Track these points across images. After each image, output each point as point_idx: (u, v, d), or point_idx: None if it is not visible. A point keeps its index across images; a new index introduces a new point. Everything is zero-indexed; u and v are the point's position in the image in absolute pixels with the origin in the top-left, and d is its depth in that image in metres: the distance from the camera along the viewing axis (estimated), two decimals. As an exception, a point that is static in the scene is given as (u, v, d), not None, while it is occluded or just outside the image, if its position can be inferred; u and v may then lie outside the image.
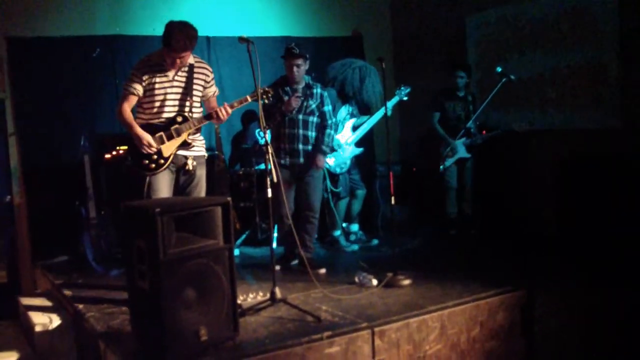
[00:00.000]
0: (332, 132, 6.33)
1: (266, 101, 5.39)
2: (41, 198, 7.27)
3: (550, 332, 5.02)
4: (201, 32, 8.14)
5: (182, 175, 5.30)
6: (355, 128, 7.24)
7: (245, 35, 4.88)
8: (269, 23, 8.69)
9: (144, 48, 7.81)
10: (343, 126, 7.13)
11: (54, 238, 7.08)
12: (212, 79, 5.45)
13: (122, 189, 6.46)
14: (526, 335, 4.94)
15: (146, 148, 5.04)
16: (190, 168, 5.25)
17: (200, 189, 5.37)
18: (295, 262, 6.25)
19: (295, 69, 6.03)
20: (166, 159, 5.13)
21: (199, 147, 5.38)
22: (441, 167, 7.41)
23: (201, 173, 5.37)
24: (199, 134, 5.39)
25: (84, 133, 6.82)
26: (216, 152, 7.52)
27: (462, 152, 7.41)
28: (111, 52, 7.66)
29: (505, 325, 4.84)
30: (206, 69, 5.40)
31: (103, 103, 7.56)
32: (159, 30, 7.79)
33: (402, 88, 7.24)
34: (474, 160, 7.55)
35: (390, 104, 7.04)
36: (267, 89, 5.34)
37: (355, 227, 7.52)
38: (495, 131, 7.34)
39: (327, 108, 6.27)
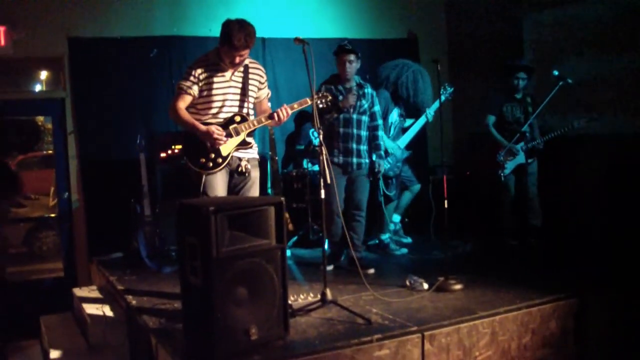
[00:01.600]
0: (382, 133, 6.38)
1: (322, 105, 5.39)
2: (98, 195, 7.42)
3: (604, 341, 4.92)
4: (256, 34, 8.25)
5: (237, 176, 5.28)
6: (403, 130, 7.20)
7: (300, 36, 4.89)
8: (324, 24, 8.70)
9: (200, 48, 7.90)
10: (395, 129, 7.09)
11: (110, 234, 7.22)
12: (266, 80, 5.44)
13: (177, 186, 6.55)
14: (579, 344, 4.84)
15: (218, 138, 5.00)
16: (244, 169, 5.23)
17: (254, 192, 5.35)
18: (342, 261, 6.30)
19: (347, 64, 6.07)
20: (224, 158, 5.12)
21: (253, 150, 5.37)
22: (501, 174, 7.07)
23: (255, 175, 5.35)
24: (252, 137, 5.37)
25: (141, 132, 6.93)
26: (269, 153, 7.56)
27: (521, 158, 7.09)
28: (168, 53, 7.78)
29: (557, 333, 4.75)
30: (260, 69, 5.40)
31: (159, 102, 7.67)
32: (215, 31, 7.87)
33: (447, 88, 7.15)
34: (540, 166, 7.20)
35: (434, 106, 7.00)
36: (325, 93, 5.33)
37: (397, 217, 7.49)
38: (553, 133, 6.98)
39: (377, 108, 6.32)
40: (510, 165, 7.09)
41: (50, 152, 8.32)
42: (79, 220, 7.64)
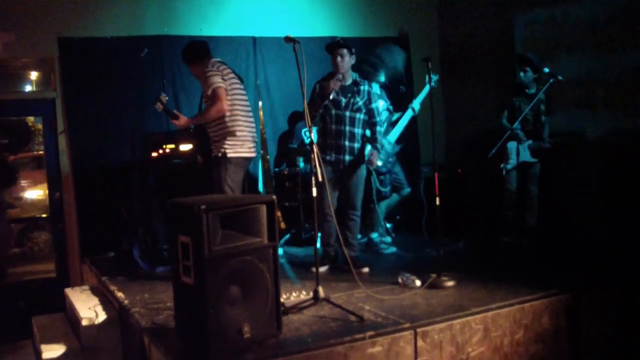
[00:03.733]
0: (381, 128, 6.34)
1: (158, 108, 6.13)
2: (90, 195, 7.38)
3: (598, 336, 4.93)
4: (247, 33, 8.30)
5: None
6: (392, 124, 7.15)
7: (291, 35, 4.89)
8: (316, 23, 8.69)
9: (191, 48, 7.89)
10: (384, 124, 6.99)
11: (102, 234, 7.21)
12: (208, 76, 5.92)
13: (169, 186, 6.56)
14: (572, 339, 4.86)
15: None
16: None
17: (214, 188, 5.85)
18: (337, 263, 6.24)
19: (339, 58, 5.99)
20: None
21: (212, 147, 5.99)
22: (503, 166, 7.02)
23: (213, 171, 5.92)
24: (216, 135, 5.96)
25: (132, 131, 6.91)
26: (261, 152, 7.55)
27: (526, 156, 7.02)
28: (159, 52, 7.75)
29: (550, 328, 4.77)
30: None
31: (151, 102, 7.65)
32: (205, 31, 7.91)
33: (432, 76, 6.99)
34: (541, 167, 7.13)
35: (420, 97, 6.96)
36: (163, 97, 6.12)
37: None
38: (562, 137, 6.96)
39: (375, 105, 6.22)
40: (513, 161, 7.02)
41: (41, 152, 8.29)
42: (70, 220, 7.62)
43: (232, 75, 6.07)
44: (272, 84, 8.30)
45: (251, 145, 6.04)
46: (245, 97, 6.17)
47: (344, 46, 6.00)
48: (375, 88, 6.91)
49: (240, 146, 5.90)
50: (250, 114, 6.19)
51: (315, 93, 6.04)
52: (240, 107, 6.01)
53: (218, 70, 5.90)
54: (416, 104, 7.05)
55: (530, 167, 7.09)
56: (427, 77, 6.40)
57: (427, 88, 6.90)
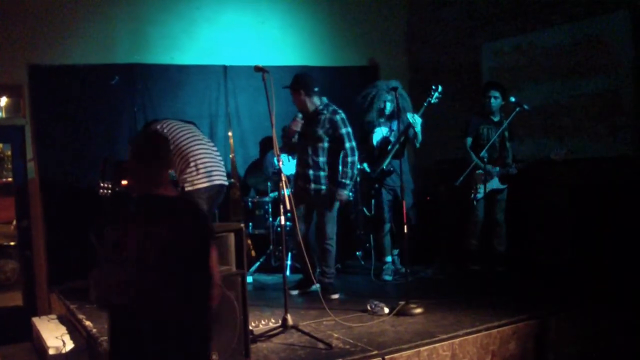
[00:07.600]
0: (353, 158, 6.17)
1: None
2: (59, 223, 7.32)
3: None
4: (218, 61, 8.34)
5: None
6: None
7: (262, 64, 4.94)
8: (286, 52, 8.74)
9: (162, 76, 7.93)
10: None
11: (71, 262, 7.13)
12: None
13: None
14: (539, 364, 4.92)
15: None
16: None
17: None
18: (315, 287, 6.21)
19: (293, 99, 6.24)
20: None
21: None
22: (473, 196, 6.95)
23: None
24: (177, 170, 6.01)
25: (103, 159, 6.89)
26: (231, 180, 7.55)
27: (494, 183, 6.93)
28: (130, 80, 7.73)
29: (517, 354, 4.83)
30: None
31: (121, 130, 7.64)
32: (177, 59, 7.92)
33: (432, 89, 6.64)
34: (508, 193, 7.09)
35: (418, 116, 6.66)
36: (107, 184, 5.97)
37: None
38: (527, 161, 6.98)
39: (342, 131, 6.13)
40: (482, 190, 6.88)
41: (10, 179, 8.21)
42: (39, 248, 7.54)
43: (170, 121, 6.33)
44: (243, 112, 8.32)
45: (211, 174, 6.03)
46: (193, 132, 6.29)
47: (289, 87, 6.17)
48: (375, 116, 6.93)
49: (197, 178, 5.96)
50: (207, 143, 6.27)
51: (283, 133, 6.32)
52: (189, 142, 6.09)
53: None
54: (412, 117, 6.59)
55: (498, 193, 7.06)
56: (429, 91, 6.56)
57: (432, 100, 6.67)
